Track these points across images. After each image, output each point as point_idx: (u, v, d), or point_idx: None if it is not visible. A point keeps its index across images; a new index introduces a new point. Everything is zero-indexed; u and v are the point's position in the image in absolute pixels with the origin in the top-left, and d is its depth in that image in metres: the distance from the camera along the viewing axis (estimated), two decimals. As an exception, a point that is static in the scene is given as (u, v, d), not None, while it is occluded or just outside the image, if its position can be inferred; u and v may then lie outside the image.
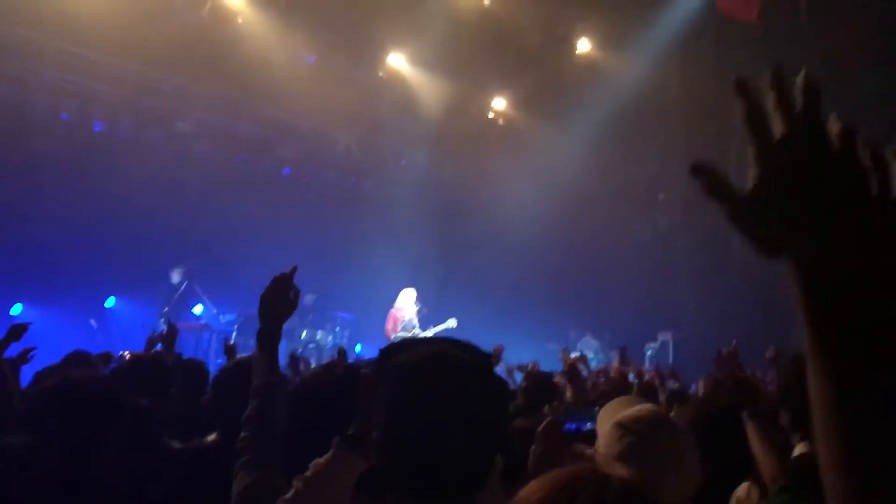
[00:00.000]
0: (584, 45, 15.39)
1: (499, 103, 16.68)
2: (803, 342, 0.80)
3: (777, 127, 0.82)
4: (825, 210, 0.79)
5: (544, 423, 2.13)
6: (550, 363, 8.58)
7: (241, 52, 13.14)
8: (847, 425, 0.76)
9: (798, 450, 2.65)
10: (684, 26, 14.36)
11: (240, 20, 13.11)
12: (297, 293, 2.77)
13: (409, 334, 12.15)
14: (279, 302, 2.70)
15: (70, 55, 12.44)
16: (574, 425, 2.19)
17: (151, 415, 3.01)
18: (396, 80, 15.18)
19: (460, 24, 13.63)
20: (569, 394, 3.76)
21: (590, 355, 9.13)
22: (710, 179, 0.82)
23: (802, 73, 0.84)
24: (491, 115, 16.88)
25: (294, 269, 2.78)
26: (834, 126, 0.83)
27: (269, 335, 2.67)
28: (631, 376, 5.69)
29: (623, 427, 1.95)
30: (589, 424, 2.16)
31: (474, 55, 14.82)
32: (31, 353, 4.61)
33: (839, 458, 0.76)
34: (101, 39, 12.15)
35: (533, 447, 2.15)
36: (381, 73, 15.11)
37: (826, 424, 0.77)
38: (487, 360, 1.70)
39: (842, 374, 0.76)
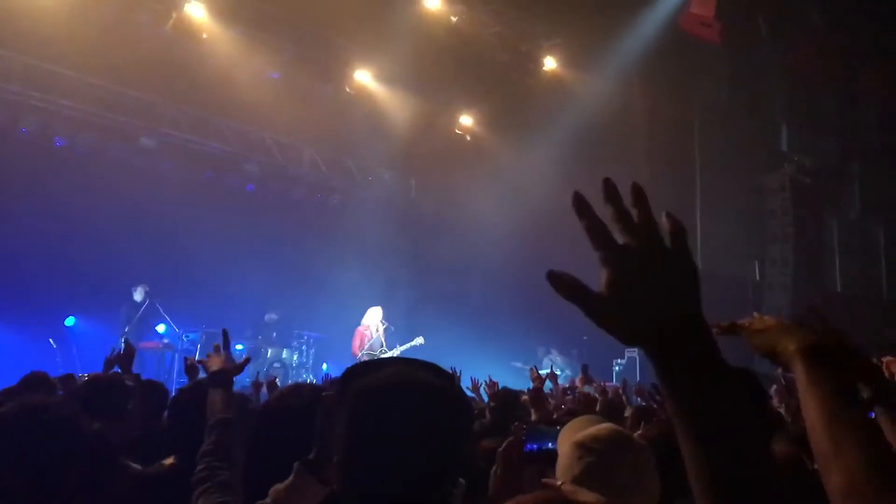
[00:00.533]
0: (549, 64, 15.53)
1: (466, 120, 16.74)
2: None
3: (618, 235, 0.94)
4: (664, 308, 0.91)
5: (505, 443, 2.12)
6: (515, 381, 8.57)
7: (205, 68, 13.06)
8: (705, 473, 0.90)
9: None
10: (648, 45, 14.56)
11: (204, 35, 13.00)
12: (247, 360, 3.03)
13: (376, 352, 12.09)
14: (226, 365, 2.81)
15: (31, 68, 12.26)
16: (535, 445, 2.18)
17: (105, 438, 2.95)
18: (363, 96, 15.17)
19: (427, 41, 13.69)
20: (534, 415, 3.74)
21: (556, 372, 9.14)
22: (565, 286, 0.94)
23: (632, 185, 0.98)
24: (458, 132, 16.93)
25: (226, 342, 2.96)
26: (665, 223, 0.97)
27: (223, 378, 2.72)
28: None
29: (582, 447, 1.94)
30: (550, 444, 2.14)
31: (441, 72, 14.88)
32: None
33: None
34: (63, 53, 12.00)
35: (493, 468, 2.13)
36: (347, 89, 15.09)
37: (693, 472, 0.91)
38: (451, 381, 1.68)
39: (695, 433, 0.91)
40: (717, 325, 1.46)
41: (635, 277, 0.92)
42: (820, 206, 17.42)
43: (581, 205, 0.96)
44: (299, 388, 2.76)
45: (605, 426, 2.03)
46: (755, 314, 1.53)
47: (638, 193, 0.97)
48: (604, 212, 0.97)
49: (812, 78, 16.63)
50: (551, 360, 14.62)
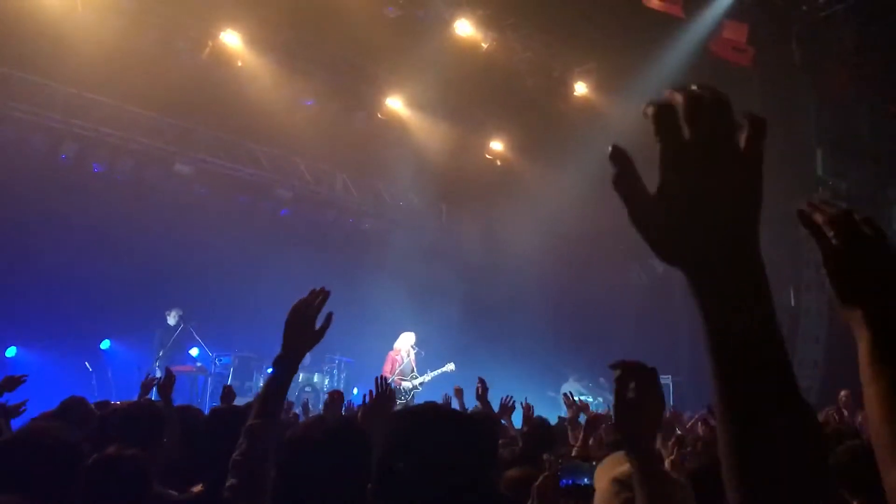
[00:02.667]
0: (581, 89, 15.54)
1: (496, 145, 16.79)
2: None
3: (685, 131, 0.81)
4: (717, 224, 0.79)
5: (540, 478, 2.10)
6: (549, 410, 8.50)
7: (240, 95, 13.26)
8: (732, 428, 0.81)
9: None
10: (680, 70, 14.51)
11: (239, 63, 13.25)
12: (329, 321, 2.63)
13: (407, 377, 12.08)
14: (304, 329, 2.60)
15: (72, 97, 12.54)
16: (571, 480, 2.16)
17: (143, 464, 2.97)
18: (395, 123, 15.30)
19: (458, 68, 13.78)
20: (571, 440, 3.68)
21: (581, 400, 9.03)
22: (622, 171, 0.82)
23: (707, 86, 0.83)
24: (489, 157, 16.98)
25: (326, 294, 2.69)
26: (750, 122, 0.83)
27: (287, 362, 2.56)
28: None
29: (620, 483, 1.92)
30: (586, 480, 2.12)
31: (472, 98, 14.97)
32: (23, 407, 4.55)
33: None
34: (102, 81, 12.27)
35: (529, 502, 2.11)
36: (379, 116, 15.24)
37: (722, 437, 0.82)
38: (477, 413, 1.72)
39: (726, 375, 0.81)
40: (804, 213, 1.33)
41: (691, 182, 0.80)
42: (856, 230, 17.16)
43: (666, 99, 0.82)
44: (322, 420, 2.75)
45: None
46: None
47: (718, 94, 0.84)
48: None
49: (846, 101, 16.46)
50: (567, 389, 14.47)
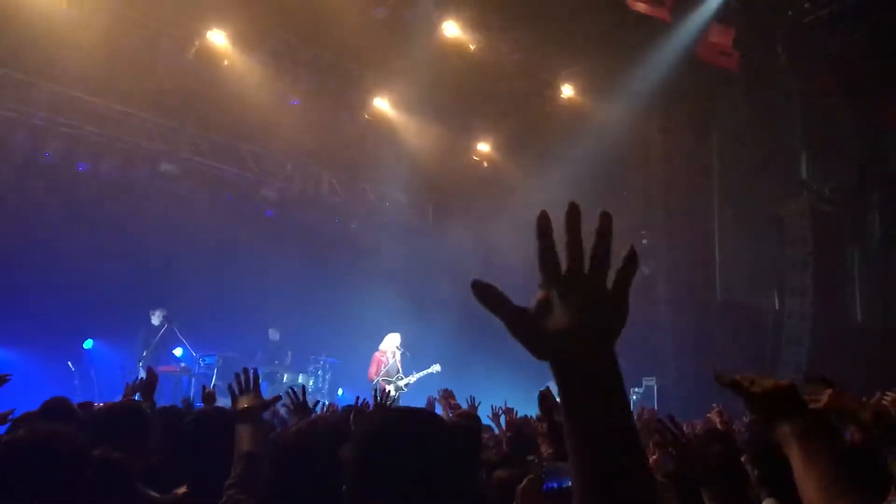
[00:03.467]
0: (567, 91, 15.58)
1: (483, 147, 16.81)
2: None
3: (565, 263, 0.99)
4: (579, 335, 0.96)
5: (524, 481, 2.10)
6: (533, 409, 8.46)
7: (226, 94, 13.21)
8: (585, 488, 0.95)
9: None
10: (666, 74, 14.56)
11: (225, 62, 13.20)
12: (276, 399, 3.22)
13: (392, 378, 12.07)
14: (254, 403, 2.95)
15: (57, 95, 12.45)
16: (555, 483, 2.16)
17: (125, 466, 2.96)
18: (381, 123, 15.28)
19: (445, 69, 13.79)
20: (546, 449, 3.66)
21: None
22: (487, 295, 0.99)
23: (600, 214, 1.02)
24: (475, 159, 16.99)
25: (255, 380, 3.04)
26: (626, 259, 1.01)
27: (250, 416, 2.81)
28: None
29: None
30: (569, 482, 2.12)
31: (459, 99, 14.98)
32: (10, 416, 4.50)
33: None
34: (87, 79, 12.18)
35: (513, 505, 2.11)
36: (366, 116, 15.23)
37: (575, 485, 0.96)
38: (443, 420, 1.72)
39: (580, 452, 0.96)
40: (720, 377, 1.66)
41: (563, 305, 0.97)
42: (840, 234, 17.26)
43: (544, 227, 1.01)
44: (315, 424, 2.75)
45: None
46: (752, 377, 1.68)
47: (603, 224, 1.01)
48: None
49: (831, 106, 16.56)
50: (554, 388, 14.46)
